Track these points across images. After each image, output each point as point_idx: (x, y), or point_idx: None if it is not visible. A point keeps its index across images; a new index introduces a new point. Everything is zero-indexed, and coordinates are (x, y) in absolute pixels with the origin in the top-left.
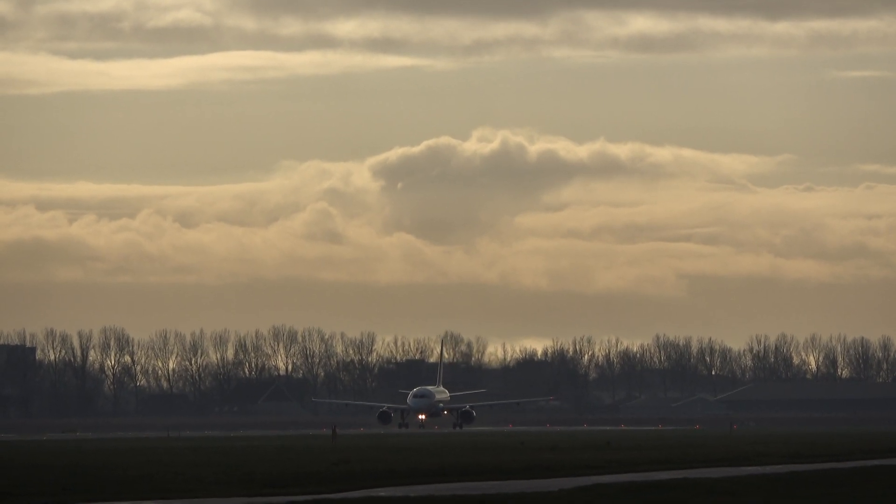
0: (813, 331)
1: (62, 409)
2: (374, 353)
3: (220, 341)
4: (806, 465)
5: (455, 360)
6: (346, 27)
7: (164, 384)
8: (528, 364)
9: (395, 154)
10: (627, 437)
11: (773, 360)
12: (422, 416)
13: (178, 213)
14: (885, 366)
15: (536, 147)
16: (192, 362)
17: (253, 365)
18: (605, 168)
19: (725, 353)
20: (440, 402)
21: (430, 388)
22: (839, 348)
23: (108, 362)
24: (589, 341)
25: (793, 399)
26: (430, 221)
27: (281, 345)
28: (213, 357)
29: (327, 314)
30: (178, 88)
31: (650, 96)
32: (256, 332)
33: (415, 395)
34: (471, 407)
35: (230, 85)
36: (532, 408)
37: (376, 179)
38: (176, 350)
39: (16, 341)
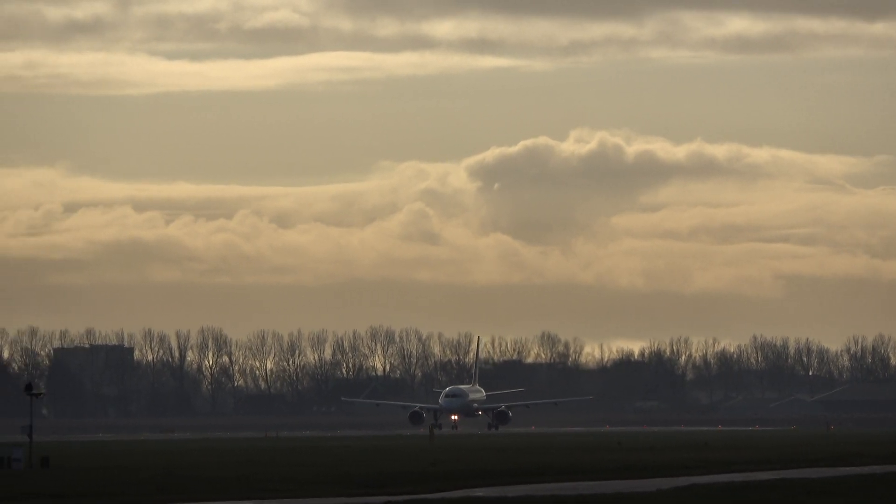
0: None
1: (160, 410)
2: (472, 354)
3: (318, 342)
4: None
5: (552, 360)
6: (443, 28)
7: (262, 384)
8: (625, 365)
9: (491, 154)
10: (724, 437)
11: (870, 360)
12: (454, 417)
13: (275, 214)
14: None
15: (634, 148)
16: (290, 363)
17: (350, 365)
18: (703, 168)
19: (823, 354)
20: (474, 401)
21: (463, 387)
22: None
23: (206, 362)
24: (686, 342)
25: (890, 399)
26: (526, 222)
27: (378, 345)
28: (311, 357)
29: (424, 315)
30: (275, 89)
31: (747, 97)
32: (354, 333)
33: (447, 395)
34: (507, 407)
35: (327, 86)
36: (629, 408)
37: (473, 180)
38: (274, 350)
39: (114, 342)
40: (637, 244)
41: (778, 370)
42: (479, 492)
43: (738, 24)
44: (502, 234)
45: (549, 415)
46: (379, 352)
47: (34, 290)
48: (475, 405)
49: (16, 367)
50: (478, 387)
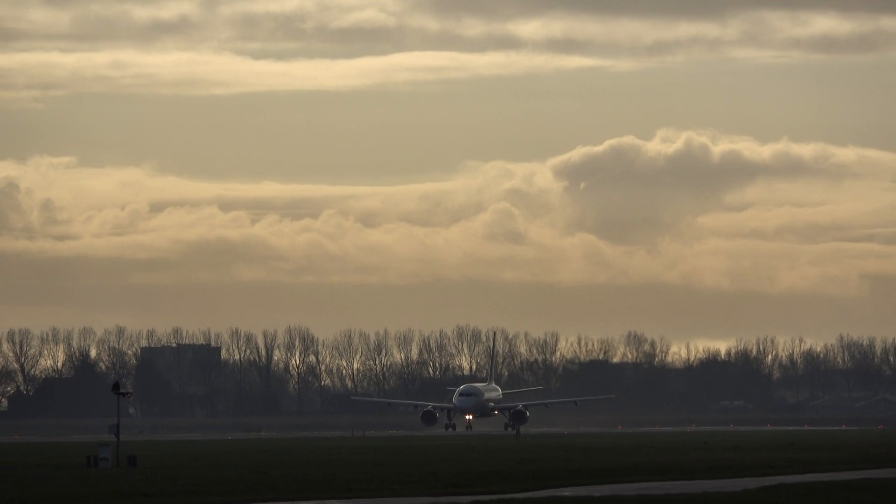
0: None
1: (247, 409)
2: (558, 353)
3: (405, 341)
4: None
5: (638, 360)
6: (529, 28)
7: (349, 384)
8: (711, 364)
9: (577, 154)
10: (811, 437)
11: None
12: (469, 417)
13: (360, 214)
14: None
15: (719, 147)
16: (377, 362)
17: (437, 364)
18: (789, 168)
19: None
20: (490, 401)
21: (478, 385)
22: None
23: (293, 362)
24: (772, 341)
25: None
26: (611, 222)
27: (465, 344)
28: (398, 357)
29: (510, 314)
30: (361, 89)
31: (833, 96)
32: (440, 332)
33: (461, 394)
34: (524, 406)
35: (413, 85)
36: (715, 408)
37: (559, 179)
38: (360, 350)
39: (201, 341)
40: (722, 244)
41: (864, 370)
42: (566, 491)
43: (824, 23)
44: (587, 233)
45: (634, 415)
46: (465, 351)
47: (121, 289)
48: (491, 404)
49: (103, 367)
50: (494, 385)
